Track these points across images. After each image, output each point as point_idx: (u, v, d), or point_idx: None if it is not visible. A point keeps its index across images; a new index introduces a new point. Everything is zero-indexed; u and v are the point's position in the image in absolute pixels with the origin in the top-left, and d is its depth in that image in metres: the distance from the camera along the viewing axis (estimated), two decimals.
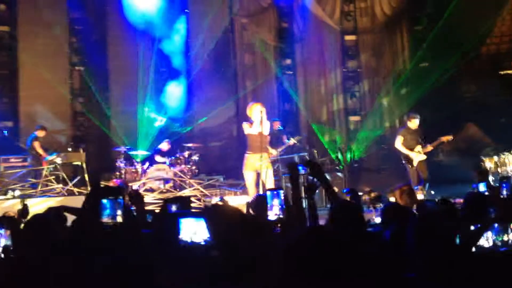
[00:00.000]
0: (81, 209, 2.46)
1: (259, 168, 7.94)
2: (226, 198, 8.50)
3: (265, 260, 1.62)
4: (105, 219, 2.35)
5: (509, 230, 3.02)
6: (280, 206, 3.68)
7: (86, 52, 13.02)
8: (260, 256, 1.68)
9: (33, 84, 12.39)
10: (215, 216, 1.86)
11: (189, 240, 2.35)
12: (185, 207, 5.09)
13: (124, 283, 2.05)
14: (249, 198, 7.76)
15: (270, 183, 7.93)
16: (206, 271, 2.13)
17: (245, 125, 8.05)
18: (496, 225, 2.86)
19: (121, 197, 2.32)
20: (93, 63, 13.10)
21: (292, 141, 9.50)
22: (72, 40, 13.02)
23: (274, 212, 3.62)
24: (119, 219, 2.25)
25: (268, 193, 3.73)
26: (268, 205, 3.60)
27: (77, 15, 12.94)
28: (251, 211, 4.34)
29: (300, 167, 4.06)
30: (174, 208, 3.64)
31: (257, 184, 8.05)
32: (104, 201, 2.34)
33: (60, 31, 12.75)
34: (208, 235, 2.05)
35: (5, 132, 11.93)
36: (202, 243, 2.31)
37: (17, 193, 9.44)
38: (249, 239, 1.79)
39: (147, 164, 10.93)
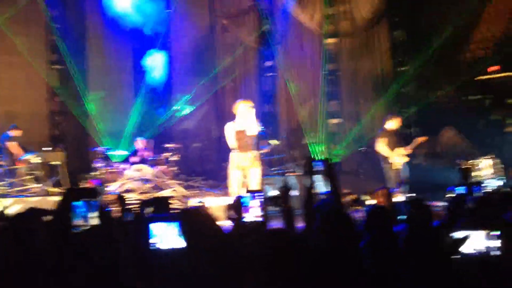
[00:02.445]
0: (53, 211, 2.44)
1: (245, 168, 7.88)
2: (206, 199, 8.47)
3: (238, 264, 1.61)
4: (77, 222, 2.32)
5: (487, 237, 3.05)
6: (260, 208, 3.65)
7: (64, 50, 12.87)
8: (234, 260, 1.68)
9: (9, 83, 12.22)
10: (189, 220, 1.85)
11: (160, 245, 2.32)
12: (162, 209, 5.04)
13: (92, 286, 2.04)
14: (230, 198, 7.74)
15: (254, 184, 7.84)
16: (178, 276, 2.12)
17: (230, 124, 7.95)
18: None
19: (95, 199, 2.29)
20: (72, 62, 12.95)
21: (272, 144, 9.52)
22: (51, 38, 12.85)
23: (252, 214, 3.58)
24: (93, 221, 2.22)
25: (248, 194, 3.71)
26: (247, 207, 3.58)
27: (56, 13, 12.77)
28: (232, 213, 4.32)
29: (317, 163, 3.98)
30: (149, 210, 3.62)
31: (240, 184, 7.98)
32: (78, 202, 2.31)
33: (38, 29, 12.58)
34: (181, 240, 2.03)
35: None
36: (175, 247, 2.29)
37: None
38: (222, 244, 1.78)
39: (127, 164, 10.86)
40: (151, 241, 2.36)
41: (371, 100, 12.85)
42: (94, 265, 2.10)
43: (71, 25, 12.92)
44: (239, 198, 4.21)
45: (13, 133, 10.66)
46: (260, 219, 3.49)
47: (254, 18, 13.95)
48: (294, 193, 3.87)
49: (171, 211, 3.71)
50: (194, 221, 1.86)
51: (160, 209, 4.63)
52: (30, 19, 12.47)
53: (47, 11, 12.68)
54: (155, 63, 13.40)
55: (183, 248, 2.05)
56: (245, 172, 7.89)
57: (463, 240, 2.70)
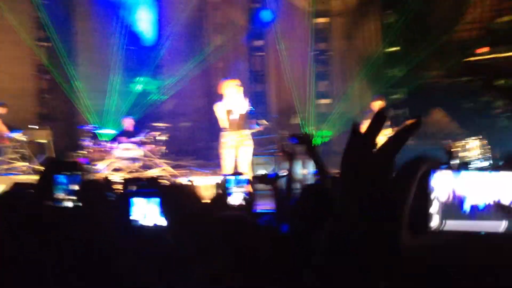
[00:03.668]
0: (35, 184, 2.41)
1: (234, 147, 7.89)
2: (195, 178, 8.46)
3: (217, 245, 1.60)
4: (60, 195, 2.30)
5: None
6: (243, 194, 3.54)
7: (52, 27, 12.68)
8: (213, 240, 1.66)
9: None
10: (170, 196, 1.82)
11: (140, 221, 2.29)
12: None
13: (78, 261, 2.03)
14: (219, 178, 7.74)
15: (245, 163, 7.86)
16: (159, 253, 2.11)
17: (219, 104, 7.94)
18: None
19: (78, 172, 2.27)
20: (59, 39, 12.78)
21: (262, 124, 9.47)
22: (37, 15, 12.64)
23: (234, 199, 3.49)
24: (74, 195, 2.21)
25: (231, 178, 3.63)
26: (229, 191, 3.50)
27: None
28: (220, 191, 4.31)
29: (291, 140, 3.96)
30: (134, 188, 3.59)
31: (232, 164, 8.01)
32: (60, 177, 2.29)
33: (24, 5, 12.38)
34: (162, 217, 2.01)
35: None
36: (154, 224, 2.26)
37: None
38: (203, 223, 1.76)
39: (116, 143, 10.79)
40: (133, 217, 2.33)
41: (361, 80, 12.83)
42: (74, 241, 2.08)
43: (59, 2, 12.72)
44: (225, 177, 4.19)
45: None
46: (241, 202, 3.43)
47: None
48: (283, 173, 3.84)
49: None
50: (175, 198, 1.84)
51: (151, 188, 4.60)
52: None
53: None
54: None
55: (164, 226, 2.03)
56: (236, 151, 7.91)
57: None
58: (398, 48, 12.42)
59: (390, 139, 0.79)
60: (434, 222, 0.80)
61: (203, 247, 1.60)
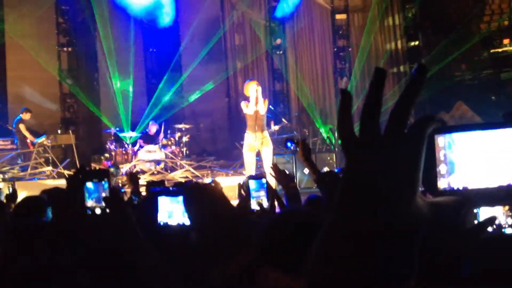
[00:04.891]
0: (65, 191, 2.43)
1: (256, 148, 7.93)
2: (217, 179, 8.49)
3: (242, 245, 1.58)
4: (90, 203, 2.31)
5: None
6: (265, 196, 3.46)
7: (74, 33, 12.84)
8: (237, 240, 1.64)
9: (21, 65, 12.23)
10: (194, 196, 1.80)
11: (166, 221, 2.29)
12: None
13: (107, 266, 2.03)
14: (241, 178, 7.76)
15: (267, 163, 7.89)
16: (184, 253, 2.10)
17: (242, 104, 8.01)
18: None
19: (106, 180, 2.28)
20: (81, 44, 12.94)
21: (283, 123, 9.47)
22: (60, 20, 12.81)
23: (255, 202, 3.42)
24: (104, 202, 2.21)
25: (251, 181, 3.54)
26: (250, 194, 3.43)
27: None
28: (242, 192, 4.29)
29: (288, 143, 3.95)
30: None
31: (255, 164, 8.09)
32: (89, 184, 2.30)
33: (46, 11, 12.54)
34: (186, 216, 1.99)
35: None
36: (179, 224, 2.26)
37: (7, 175, 9.37)
38: (228, 224, 1.74)
39: (137, 145, 10.87)
40: (159, 217, 2.33)
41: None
42: (106, 246, 2.09)
43: (80, 7, 12.87)
44: (248, 178, 4.17)
45: (24, 115, 10.69)
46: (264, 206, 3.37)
47: None
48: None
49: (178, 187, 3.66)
50: (199, 197, 1.82)
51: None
52: (39, 2, 12.41)
53: None
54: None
55: (189, 225, 2.02)
56: (259, 152, 7.96)
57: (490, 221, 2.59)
58: (419, 42, 12.27)
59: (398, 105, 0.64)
60: (443, 183, 0.75)
61: (227, 248, 1.59)
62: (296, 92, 13.71)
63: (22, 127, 10.53)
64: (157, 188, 3.33)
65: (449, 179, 0.76)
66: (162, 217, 2.39)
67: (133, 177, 4.57)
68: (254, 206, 3.40)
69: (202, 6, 13.41)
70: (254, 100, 7.79)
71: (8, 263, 2.31)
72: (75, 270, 1.94)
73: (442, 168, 0.75)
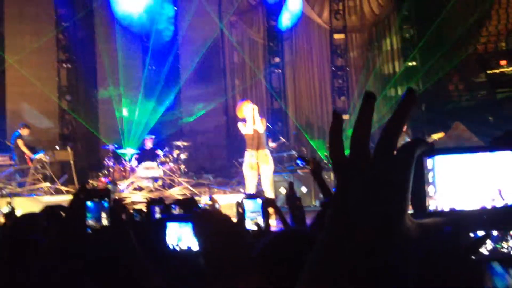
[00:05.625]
0: (67, 209, 2.43)
1: (256, 166, 7.94)
2: (215, 196, 8.48)
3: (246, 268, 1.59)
4: (90, 222, 2.32)
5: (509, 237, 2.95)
6: (260, 216, 3.43)
7: (73, 49, 12.92)
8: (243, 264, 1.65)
9: (20, 82, 12.27)
10: (203, 222, 1.83)
11: (174, 246, 2.31)
12: (188, 210, 4.94)
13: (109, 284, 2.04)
14: (240, 196, 7.76)
15: (267, 182, 7.90)
16: (193, 278, 2.11)
17: (240, 125, 8.03)
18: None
19: (106, 199, 2.30)
20: (80, 60, 13.00)
21: (280, 141, 9.48)
22: (59, 37, 12.89)
23: (251, 222, 3.39)
24: (104, 221, 2.23)
25: (246, 201, 3.51)
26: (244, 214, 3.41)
27: (64, 11, 12.80)
28: (240, 211, 4.29)
29: (298, 160, 3.94)
30: (157, 210, 3.59)
31: (256, 182, 8.07)
32: (89, 203, 2.31)
33: (47, 28, 12.63)
34: (195, 241, 2.01)
35: None
36: (187, 248, 2.27)
37: (5, 191, 9.34)
38: (235, 248, 1.76)
39: (135, 162, 10.87)
40: (167, 241, 2.36)
41: (380, 96, 12.79)
42: (109, 265, 2.09)
43: (80, 24, 12.97)
44: (246, 196, 4.15)
45: (22, 131, 10.67)
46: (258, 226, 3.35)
47: (261, 14, 13.94)
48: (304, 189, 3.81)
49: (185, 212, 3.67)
50: (206, 223, 1.85)
51: (187, 210, 4.54)
52: (40, 18, 12.51)
53: (56, 10, 12.72)
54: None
55: (197, 250, 2.04)
56: (258, 170, 7.96)
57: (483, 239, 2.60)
58: (415, 63, 12.35)
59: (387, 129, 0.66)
60: (431, 204, 0.77)
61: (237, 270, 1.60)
62: (293, 110, 13.77)
63: (20, 142, 10.50)
64: (167, 215, 3.35)
65: (437, 201, 0.78)
66: (171, 241, 2.42)
67: (118, 206, 4.51)
68: (249, 225, 3.38)
69: (201, 24, 13.54)
70: (252, 120, 7.82)
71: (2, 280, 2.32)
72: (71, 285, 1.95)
73: (430, 190, 0.77)
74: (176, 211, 3.82)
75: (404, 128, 8.78)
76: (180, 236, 2.30)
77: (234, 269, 1.74)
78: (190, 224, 1.96)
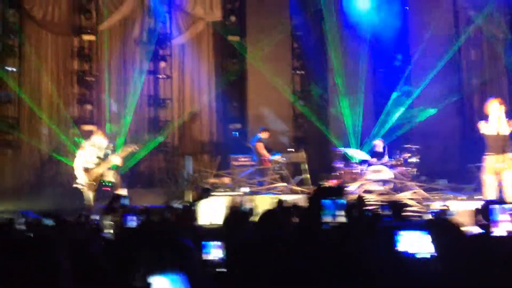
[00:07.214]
0: (306, 208, 2.57)
1: (498, 171, 7.30)
2: (448, 203, 8.01)
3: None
4: (326, 219, 2.40)
5: None
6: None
7: (306, 56, 13.56)
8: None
9: (259, 89, 13.30)
10: (440, 230, 1.78)
11: (408, 252, 2.29)
12: (397, 214, 4.91)
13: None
14: (477, 203, 7.19)
15: (510, 188, 7.22)
16: (426, 284, 2.05)
17: (481, 124, 7.45)
18: None
19: (342, 198, 2.35)
20: (312, 66, 13.58)
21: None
22: (294, 45, 13.67)
23: (503, 229, 3.16)
24: (340, 219, 2.29)
25: (495, 206, 3.27)
26: (496, 220, 3.18)
27: (297, 21, 13.53)
28: (480, 218, 3.99)
29: None
30: (386, 212, 3.57)
31: (497, 189, 7.42)
32: (326, 201, 2.40)
33: (283, 37, 13.46)
34: (432, 249, 1.96)
35: (236, 133, 13.13)
36: (423, 256, 2.22)
37: (246, 189, 10.17)
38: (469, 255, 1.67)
39: (365, 165, 10.89)
40: (400, 248, 2.35)
41: None
42: (337, 261, 2.15)
43: (311, 31, 13.55)
44: (487, 203, 3.83)
45: (262, 135, 11.48)
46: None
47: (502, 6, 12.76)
48: None
49: (408, 216, 3.60)
50: (444, 232, 1.79)
51: (396, 213, 4.50)
52: (276, 29, 13.37)
53: (291, 20, 13.51)
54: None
55: (431, 257, 1.99)
56: (500, 175, 7.28)
57: None
58: None
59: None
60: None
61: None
62: None
63: (259, 145, 11.31)
64: (398, 223, 3.35)
65: None
66: (405, 248, 2.43)
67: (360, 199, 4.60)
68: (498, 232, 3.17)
69: (433, 21, 12.91)
70: (496, 120, 7.17)
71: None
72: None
73: None
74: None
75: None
76: (414, 245, 2.28)
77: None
78: (421, 232, 1.95)
